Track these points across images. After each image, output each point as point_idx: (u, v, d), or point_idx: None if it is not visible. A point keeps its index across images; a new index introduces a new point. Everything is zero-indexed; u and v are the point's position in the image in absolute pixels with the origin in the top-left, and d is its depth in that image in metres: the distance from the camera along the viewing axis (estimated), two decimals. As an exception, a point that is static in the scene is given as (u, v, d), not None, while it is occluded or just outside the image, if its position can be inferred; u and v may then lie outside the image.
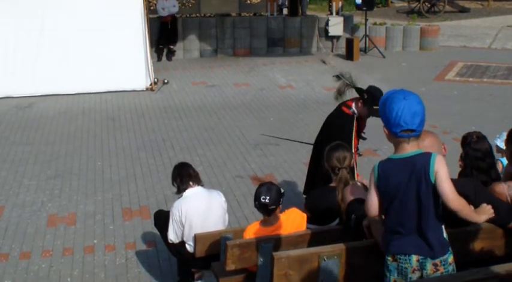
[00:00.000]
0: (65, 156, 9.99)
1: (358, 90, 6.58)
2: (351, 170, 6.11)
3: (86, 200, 8.35)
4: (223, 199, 6.08)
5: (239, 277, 5.21)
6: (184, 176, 5.91)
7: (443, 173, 3.54)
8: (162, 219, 6.13)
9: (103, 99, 13.28)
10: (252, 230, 5.09)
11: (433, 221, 3.62)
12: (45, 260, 6.88)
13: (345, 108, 6.64)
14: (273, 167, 9.31)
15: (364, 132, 6.98)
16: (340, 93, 6.72)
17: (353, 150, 6.42)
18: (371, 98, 6.40)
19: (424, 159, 3.58)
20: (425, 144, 3.85)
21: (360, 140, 7.00)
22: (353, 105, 6.60)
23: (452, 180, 3.67)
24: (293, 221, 5.09)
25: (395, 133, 3.60)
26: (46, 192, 8.59)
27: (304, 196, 7.05)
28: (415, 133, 3.59)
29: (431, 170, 3.54)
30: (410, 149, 3.62)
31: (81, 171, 9.33)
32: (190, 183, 5.89)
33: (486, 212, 3.83)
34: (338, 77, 6.78)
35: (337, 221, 5.10)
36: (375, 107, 6.21)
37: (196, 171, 6.06)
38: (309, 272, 4.12)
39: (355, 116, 6.57)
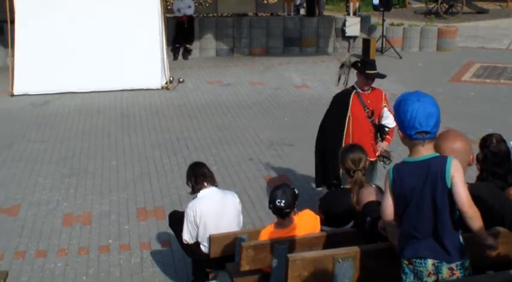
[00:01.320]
0: (80, 154, 10.04)
1: (353, 64, 6.92)
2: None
3: (101, 199, 8.39)
4: (238, 200, 6.07)
5: (253, 278, 5.21)
6: (198, 176, 5.90)
7: (459, 178, 3.51)
8: (176, 219, 6.13)
9: (118, 97, 13.33)
10: (267, 233, 5.08)
11: (449, 226, 3.59)
12: (61, 258, 6.93)
13: (349, 87, 7.05)
14: (287, 168, 9.30)
15: (386, 127, 7.08)
16: (340, 76, 7.06)
17: (348, 125, 6.85)
18: (362, 63, 6.85)
19: (440, 162, 3.55)
20: (455, 147, 3.81)
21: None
22: (355, 83, 6.98)
23: (469, 184, 3.65)
24: (306, 223, 5.08)
25: (410, 135, 3.57)
26: (61, 191, 8.64)
27: (319, 189, 7.25)
28: (430, 135, 3.56)
29: (447, 174, 3.51)
30: (425, 151, 3.60)
31: (96, 170, 9.37)
32: (205, 183, 5.88)
33: (493, 240, 3.69)
34: (342, 65, 7.06)
35: (351, 223, 5.08)
36: (367, 72, 6.72)
37: (211, 171, 6.04)
38: (323, 274, 4.12)
39: (354, 91, 6.90)
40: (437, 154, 3.61)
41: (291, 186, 5.06)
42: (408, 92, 3.67)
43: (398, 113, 3.60)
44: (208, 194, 5.86)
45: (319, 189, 7.29)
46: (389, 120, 6.98)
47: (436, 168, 3.54)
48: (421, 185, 3.58)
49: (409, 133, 3.57)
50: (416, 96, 3.58)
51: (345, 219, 5.12)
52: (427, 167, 3.57)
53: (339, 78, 7.02)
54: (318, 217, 5.13)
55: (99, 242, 7.26)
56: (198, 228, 5.85)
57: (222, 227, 5.77)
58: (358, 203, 4.96)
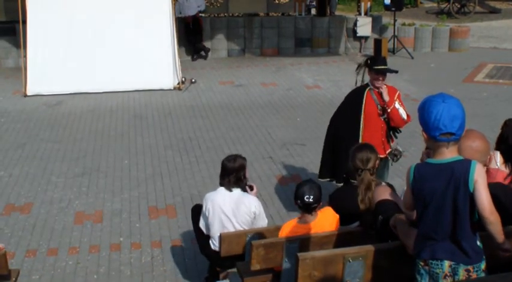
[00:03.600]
0: (92, 154, 10.08)
1: (364, 62, 7.00)
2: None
3: (112, 197, 8.42)
4: (253, 209, 5.79)
5: (264, 277, 5.21)
6: (224, 170, 5.77)
7: (482, 184, 3.49)
8: (196, 212, 6.12)
9: (131, 97, 13.37)
10: (289, 228, 5.07)
11: (468, 229, 3.57)
12: (72, 256, 6.95)
13: (363, 84, 7.10)
14: (299, 167, 9.30)
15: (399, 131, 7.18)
16: (360, 77, 7.15)
17: (362, 123, 6.92)
18: (372, 60, 6.91)
19: (464, 166, 3.52)
20: (473, 146, 3.79)
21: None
22: (369, 82, 7.03)
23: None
24: (330, 220, 5.09)
25: (434, 137, 3.54)
26: (73, 190, 8.68)
27: (322, 180, 7.30)
28: (455, 137, 3.53)
29: (470, 178, 3.49)
30: (449, 154, 3.57)
31: (108, 169, 9.41)
32: (229, 182, 5.75)
33: (509, 244, 3.67)
34: (358, 66, 7.16)
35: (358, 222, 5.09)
36: (375, 67, 6.79)
37: (242, 172, 5.79)
38: (333, 273, 4.11)
39: (368, 88, 6.98)
40: (461, 157, 3.58)
41: (314, 181, 5.07)
42: (433, 94, 3.64)
43: (423, 114, 3.57)
44: (225, 194, 5.78)
45: (322, 180, 7.35)
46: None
47: (460, 172, 3.51)
48: (443, 188, 3.56)
49: (434, 134, 3.54)
50: (442, 97, 3.55)
51: (353, 217, 5.12)
52: (450, 170, 3.54)
53: (357, 81, 7.12)
54: (337, 216, 5.13)
55: (110, 240, 7.28)
56: (207, 219, 5.84)
57: (228, 229, 5.74)
58: (363, 202, 4.98)
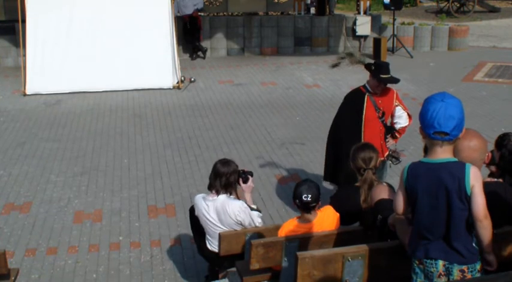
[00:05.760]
0: (91, 153, 10.07)
1: (367, 65, 6.94)
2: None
3: (112, 196, 8.42)
4: (235, 217, 5.61)
5: (263, 276, 5.21)
6: (215, 176, 5.63)
7: (479, 188, 3.49)
8: (193, 213, 6.09)
9: (130, 97, 13.37)
10: (289, 227, 5.07)
11: (462, 230, 3.57)
12: (72, 255, 6.95)
13: (360, 87, 7.05)
14: (298, 166, 9.30)
15: (398, 125, 7.14)
16: (337, 62, 7.03)
17: (363, 127, 6.89)
18: (377, 67, 6.81)
19: (459, 169, 3.52)
20: (471, 145, 3.79)
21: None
22: (366, 83, 6.96)
23: (484, 183, 3.62)
24: (330, 218, 5.09)
25: (428, 134, 3.55)
26: (73, 189, 8.68)
27: (326, 183, 7.39)
28: (449, 137, 3.52)
29: (467, 182, 3.49)
30: (442, 154, 3.56)
31: (107, 168, 9.41)
32: (220, 185, 5.62)
33: (494, 258, 3.69)
34: (350, 54, 7.01)
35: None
36: (381, 76, 6.68)
37: (233, 176, 5.69)
38: (333, 272, 4.11)
39: (367, 93, 6.91)
40: (455, 159, 3.57)
41: (312, 181, 5.07)
42: (436, 92, 3.64)
43: (421, 111, 3.58)
44: (208, 202, 5.65)
45: (326, 183, 7.44)
46: (401, 120, 7.01)
47: (455, 174, 3.51)
48: (436, 187, 3.55)
49: (428, 132, 3.55)
50: (441, 96, 3.55)
51: (354, 217, 5.12)
52: (442, 170, 3.53)
53: (338, 63, 7.08)
54: (338, 214, 5.13)
55: (110, 239, 7.28)
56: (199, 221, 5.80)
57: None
58: (366, 201, 4.98)
